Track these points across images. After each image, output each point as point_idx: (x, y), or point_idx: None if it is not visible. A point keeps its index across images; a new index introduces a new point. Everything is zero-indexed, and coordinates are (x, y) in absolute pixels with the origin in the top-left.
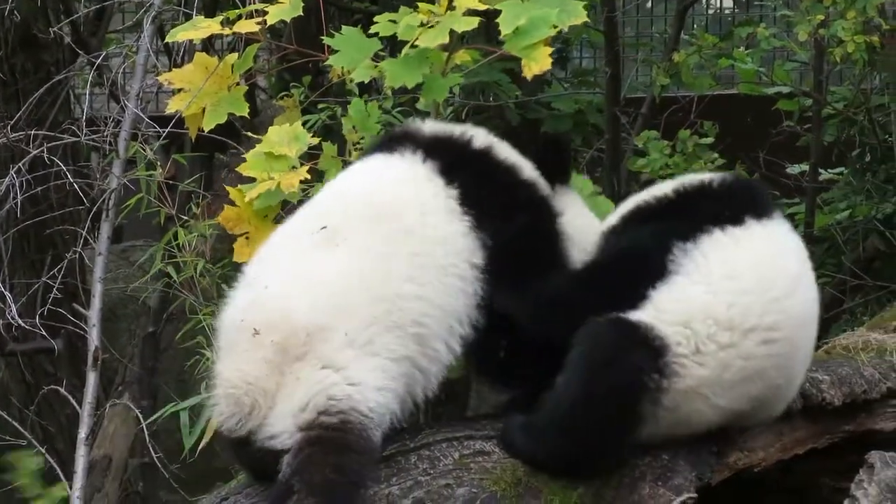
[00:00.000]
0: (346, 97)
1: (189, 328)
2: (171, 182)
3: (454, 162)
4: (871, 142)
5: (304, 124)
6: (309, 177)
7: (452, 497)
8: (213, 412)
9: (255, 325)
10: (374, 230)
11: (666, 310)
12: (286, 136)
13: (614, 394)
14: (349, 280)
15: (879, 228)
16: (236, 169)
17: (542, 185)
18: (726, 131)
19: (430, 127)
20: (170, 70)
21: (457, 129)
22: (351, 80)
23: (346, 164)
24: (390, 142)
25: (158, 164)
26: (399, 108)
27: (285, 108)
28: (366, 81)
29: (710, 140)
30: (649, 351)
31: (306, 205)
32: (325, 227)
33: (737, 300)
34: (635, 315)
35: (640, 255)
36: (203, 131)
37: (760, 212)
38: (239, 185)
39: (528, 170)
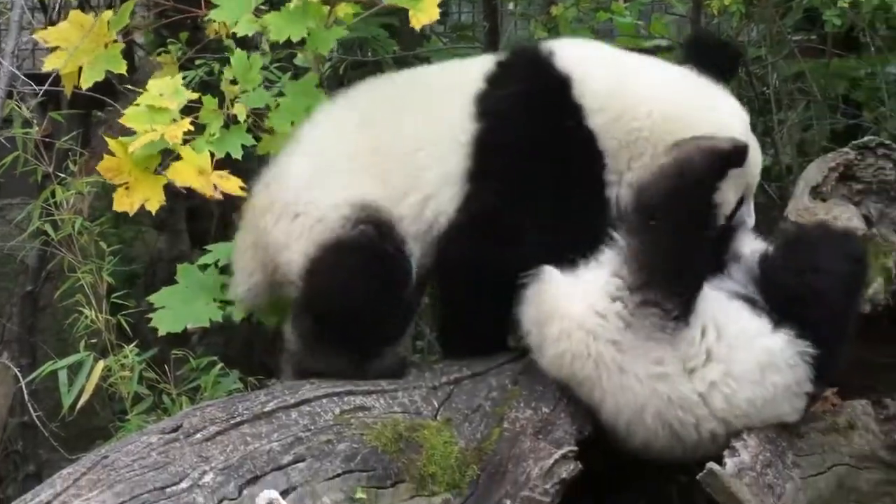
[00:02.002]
0: (224, 52)
1: (68, 286)
2: (47, 140)
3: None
4: (749, 94)
5: (182, 80)
6: (192, 128)
7: (333, 452)
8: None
9: None
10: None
11: None
12: (167, 90)
13: None
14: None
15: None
16: (118, 121)
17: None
18: None
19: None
20: (46, 27)
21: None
22: (230, 36)
23: (227, 117)
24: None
25: (35, 121)
26: (277, 64)
27: (163, 65)
28: (249, 35)
29: None
30: None
31: None
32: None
33: None
34: None
35: None
36: (80, 89)
37: None
38: (120, 138)
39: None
